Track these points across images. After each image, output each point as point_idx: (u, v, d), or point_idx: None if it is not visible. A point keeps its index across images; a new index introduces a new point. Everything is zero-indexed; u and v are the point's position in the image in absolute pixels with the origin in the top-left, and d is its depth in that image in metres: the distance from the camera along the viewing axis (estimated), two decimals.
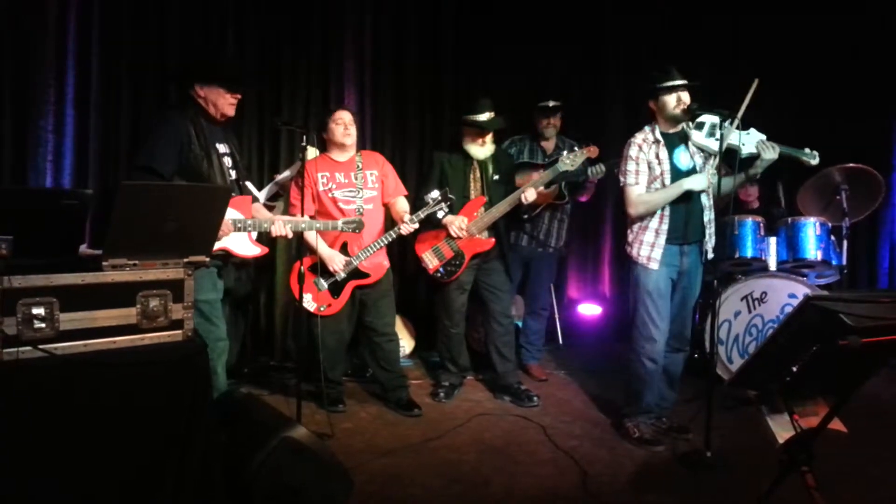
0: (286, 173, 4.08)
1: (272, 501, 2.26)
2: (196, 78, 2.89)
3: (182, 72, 3.05)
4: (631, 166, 3.32)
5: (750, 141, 3.18)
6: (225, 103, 2.92)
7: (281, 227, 3.03)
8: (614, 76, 5.74)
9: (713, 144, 3.24)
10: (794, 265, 4.26)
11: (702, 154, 3.37)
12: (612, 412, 3.78)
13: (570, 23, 5.60)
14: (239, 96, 2.96)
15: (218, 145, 2.93)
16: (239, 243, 3.00)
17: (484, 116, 3.87)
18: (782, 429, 1.99)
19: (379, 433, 3.47)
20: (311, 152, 3.86)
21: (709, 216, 3.40)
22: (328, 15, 4.87)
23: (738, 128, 3.14)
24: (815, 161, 3.23)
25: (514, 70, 5.49)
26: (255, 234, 3.08)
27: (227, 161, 2.97)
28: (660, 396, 3.47)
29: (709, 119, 3.28)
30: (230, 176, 2.96)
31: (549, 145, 4.51)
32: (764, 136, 3.20)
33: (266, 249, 3.15)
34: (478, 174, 3.97)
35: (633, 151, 3.32)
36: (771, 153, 3.14)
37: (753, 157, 3.19)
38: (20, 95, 3.88)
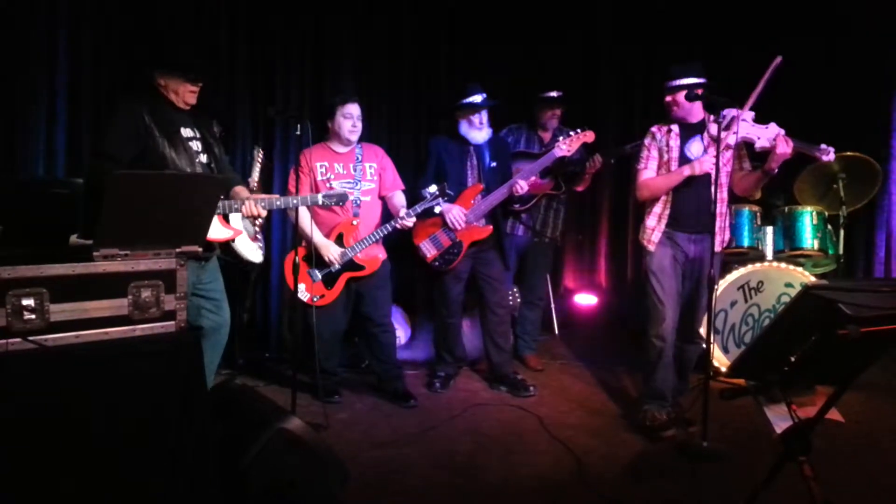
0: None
1: (267, 493, 2.25)
2: (155, 67, 2.84)
3: (142, 60, 2.99)
4: (643, 152, 3.48)
5: (766, 135, 3.15)
6: (185, 91, 2.86)
7: (252, 205, 2.93)
8: (609, 73, 5.72)
9: (726, 136, 3.23)
10: (790, 254, 4.26)
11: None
12: (608, 402, 3.78)
13: (565, 13, 5.57)
14: (200, 85, 2.89)
15: (183, 130, 2.85)
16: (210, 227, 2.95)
17: (478, 98, 3.86)
18: (780, 419, 1.99)
19: (375, 424, 3.46)
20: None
21: (721, 209, 3.37)
22: (323, 3, 4.83)
23: (754, 121, 3.14)
24: (829, 157, 3.18)
25: (510, 58, 5.47)
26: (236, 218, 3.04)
27: (196, 145, 2.89)
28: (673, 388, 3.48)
29: (729, 111, 3.23)
30: (198, 159, 2.88)
31: (546, 134, 4.49)
32: (783, 131, 3.17)
33: (240, 231, 3.09)
34: (475, 161, 3.95)
35: (647, 139, 3.48)
36: (784, 147, 3.10)
37: (767, 152, 3.16)
38: (11, 86, 3.83)
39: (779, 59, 3.06)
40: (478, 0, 5.39)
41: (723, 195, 3.36)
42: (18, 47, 3.82)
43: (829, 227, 4.30)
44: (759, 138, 3.16)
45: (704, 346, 3.32)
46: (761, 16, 5.19)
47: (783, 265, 4.15)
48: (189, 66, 2.86)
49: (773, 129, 3.17)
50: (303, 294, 3.61)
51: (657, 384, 3.38)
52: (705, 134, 3.35)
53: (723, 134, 3.21)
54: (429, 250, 3.90)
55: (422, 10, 5.26)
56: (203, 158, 2.91)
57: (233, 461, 2.23)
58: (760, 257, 4.27)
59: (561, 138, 3.90)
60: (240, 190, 3.08)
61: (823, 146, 3.19)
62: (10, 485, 1.76)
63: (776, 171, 3.18)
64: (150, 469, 1.99)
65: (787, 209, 4.28)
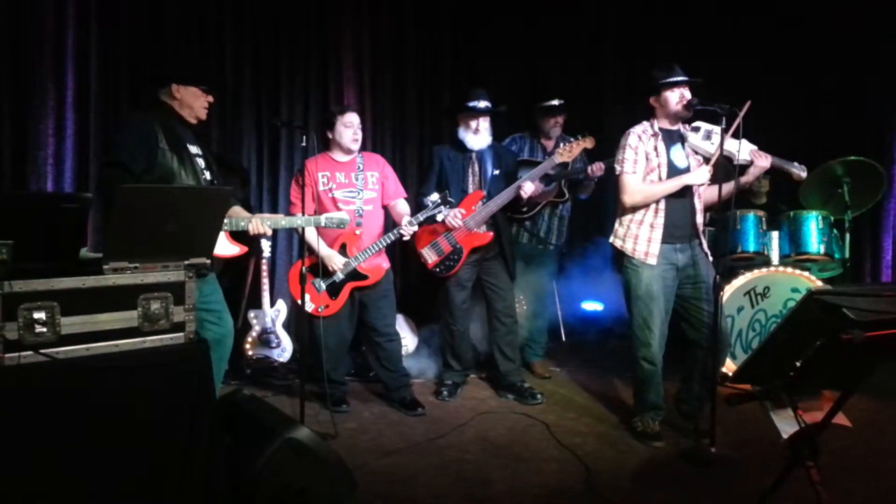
0: None
1: (276, 502, 2.26)
2: (174, 79, 2.88)
3: (160, 72, 3.03)
4: (629, 155, 3.28)
5: (743, 149, 3.22)
6: (199, 105, 2.92)
7: (258, 224, 2.97)
8: (612, 75, 5.74)
9: (709, 147, 3.27)
10: (796, 259, 4.25)
11: (696, 156, 3.38)
12: (615, 409, 3.78)
13: (569, 21, 5.60)
14: (212, 99, 2.96)
15: (190, 146, 2.90)
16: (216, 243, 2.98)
17: (481, 104, 3.86)
18: (786, 424, 1.98)
19: (383, 433, 3.46)
20: None
21: (700, 218, 3.40)
22: (326, 14, 4.87)
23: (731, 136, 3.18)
24: (804, 174, 3.32)
25: (513, 68, 5.50)
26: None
27: (201, 162, 2.94)
28: (696, 398, 3.40)
29: (703, 124, 3.32)
30: (204, 175, 2.93)
31: (549, 143, 4.51)
32: (755, 147, 3.24)
33: (245, 248, 3.12)
34: (476, 168, 3.97)
35: (632, 141, 3.29)
36: (763, 161, 3.20)
37: (746, 165, 3.23)
38: (19, 99, 3.88)
39: (749, 103, 3.10)
40: (482, 9, 5.43)
41: (701, 205, 3.41)
42: (26, 59, 3.86)
43: (835, 231, 4.29)
44: (738, 152, 3.20)
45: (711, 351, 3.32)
46: (763, 21, 5.21)
47: (789, 270, 4.14)
48: (210, 77, 2.94)
49: (747, 145, 3.22)
50: (307, 305, 3.63)
51: (651, 398, 3.37)
52: (686, 143, 3.35)
53: (704, 146, 3.30)
54: (430, 256, 3.92)
55: (424, 18, 5.30)
56: (208, 175, 2.96)
57: (241, 471, 2.24)
58: (766, 262, 4.26)
59: (562, 144, 3.92)
60: (239, 210, 3.12)
61: (797, 164, 3.30)
62: (18, 494, 1.78)
63: (748, 186, 3.36)
64: (160, 480, 2.00)
65: (792, 214, 4.27)
